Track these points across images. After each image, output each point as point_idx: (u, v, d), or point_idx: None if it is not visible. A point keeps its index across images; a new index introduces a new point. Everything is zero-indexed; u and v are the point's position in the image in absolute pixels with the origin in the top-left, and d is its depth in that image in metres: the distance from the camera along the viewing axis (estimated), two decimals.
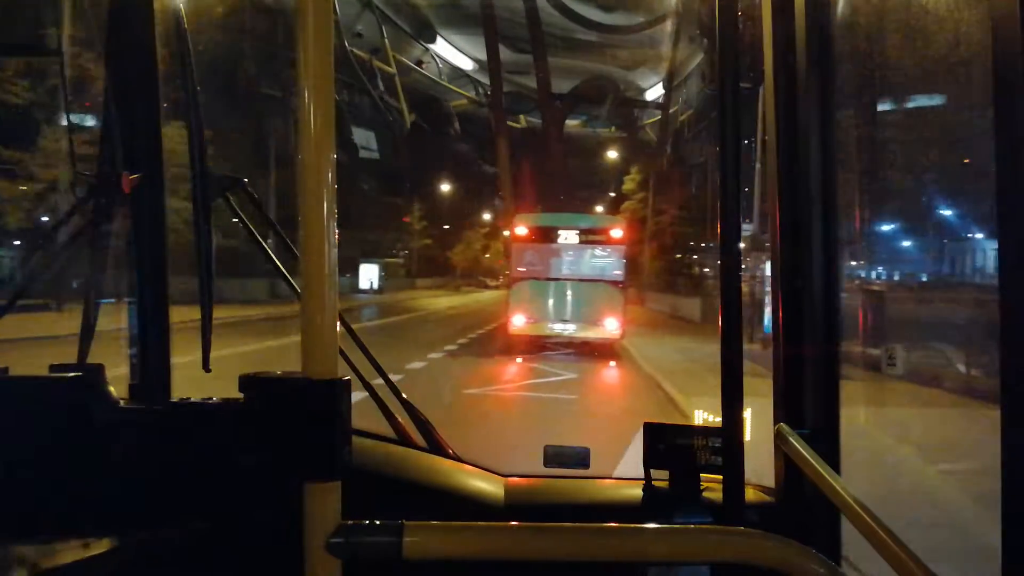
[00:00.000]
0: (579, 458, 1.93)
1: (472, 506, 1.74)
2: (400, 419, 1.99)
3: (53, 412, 1.59)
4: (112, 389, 1.67)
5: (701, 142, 37.42)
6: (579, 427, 9.10)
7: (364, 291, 40.07)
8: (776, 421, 1.69)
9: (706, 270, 35.64)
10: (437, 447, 1.97)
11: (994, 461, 0.87)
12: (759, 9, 1.70)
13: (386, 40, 40.47)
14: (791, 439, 1.56)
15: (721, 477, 1.53)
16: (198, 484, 1.59)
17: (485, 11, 36.97)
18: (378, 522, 0.96)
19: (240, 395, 1.02)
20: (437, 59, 49.83)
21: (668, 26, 39.06)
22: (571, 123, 53.29)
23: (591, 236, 17.21)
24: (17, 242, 20.21)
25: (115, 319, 1.91)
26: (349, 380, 1.00)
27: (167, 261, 1.85)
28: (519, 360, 15.50)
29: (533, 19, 37.80)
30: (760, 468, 1.72)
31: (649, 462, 1.74)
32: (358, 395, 1.13)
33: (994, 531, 0.88)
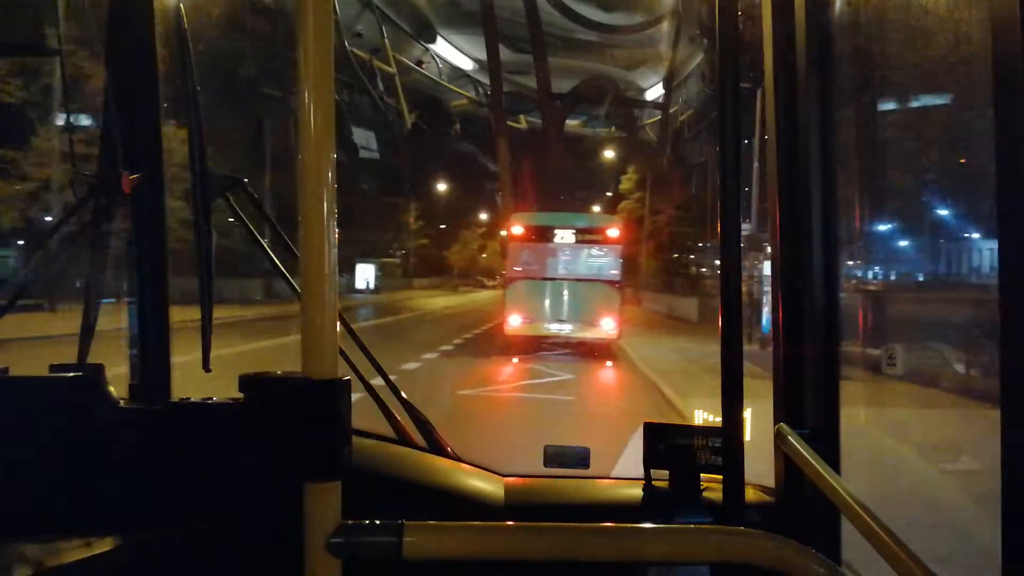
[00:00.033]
0: (579, 458, 1.93)
1: (472, 506, 1.74)
2: (400, 419, 1.99)
3: (53, 412, 1.59)
4: (112, 389, 1.68)
5: (701, 142, 37.44)
6: (575, 428, 9.05)
7: (360, 291, 40.03)
8: (776, 421, 1.69)
9: (703, 270, 35.66)
10: (437, 447, 1.97)
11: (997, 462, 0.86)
12: (759, 9, 1.70)
13: (386, 40, 40.46)
14: (791, 439, 1.55)
15: (721, 477, 1.53)
16: (198, 484, 1.59)
17: (485, 11, 36.96)
18: (378, 522, 0.96)
19: (240, 395, 1.02)
20: (437, 59, 49.85)
21: (668, 26, 39.10)
22: (571, 123, 53.29)
23: (588, 235, 17.16)
24: (21, 242, 20.19)
25: (115, 319, 1.91)
26: (349, 380, 1.00)
27: (167, 261, 1.85)
28: (515, 360, 15.45)
29: (533, 19, 37.80)
30: (760, 468, 1.72)
31: (649, 462, 1.74)
32: (358, 395, 1.13)
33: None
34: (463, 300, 43.26)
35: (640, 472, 1.77)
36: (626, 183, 43.71)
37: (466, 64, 50.77)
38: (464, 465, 1.94)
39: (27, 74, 17.66)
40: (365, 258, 42.41)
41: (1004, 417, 0.86)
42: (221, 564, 1.57)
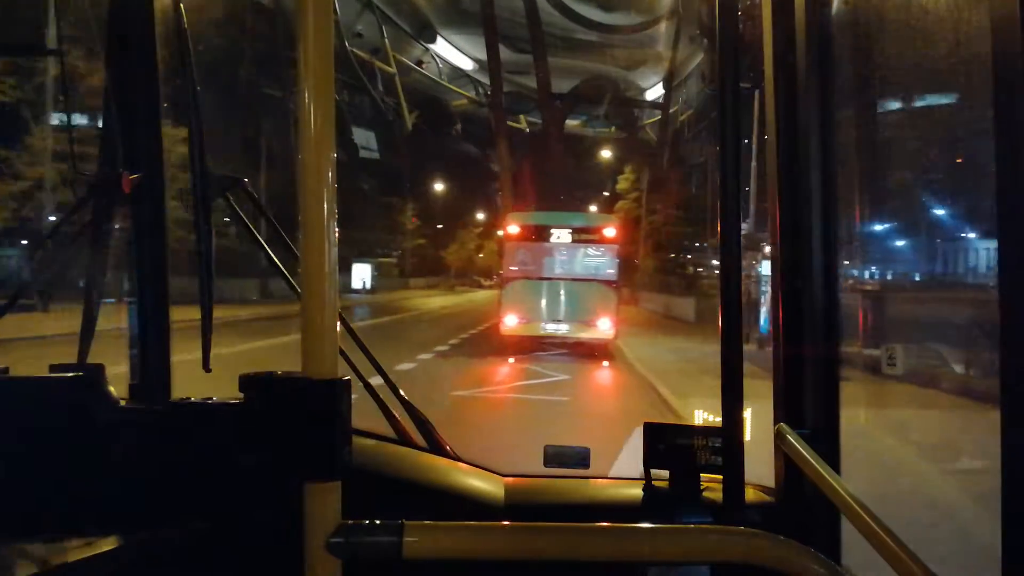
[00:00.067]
0: (579, 458, 1.93)
1: (472, 506, 1.74)
2: (400, 419, 1.99)
3: (53, 412, 1.59)
4: (112, 389, 1.68)
5: (701, 142, 37.48)
6: (572, 430, 8.99)
7: (356, 291, 39.95)
8: (776, 421, 1.69)
9: (699, 269, 35.67)
10: (437, 447, 1.97)
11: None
12: (759, 9, 1.70)
13: (386, 40, 40.53)
14: (791, 439, 1.55)
15: (721, 477, 1.53)
16: (198, 484, 1.59)
17: (485, 11, 36.97)
18: (378, 522, 0.96)
19: (240, 395, 1.02)
20: (437, 59, 49.90)
21: (668, 26, 39.15)
22: (571, 123, 53.33)
23: (584, 235, 17.05)
24: (24, 241, 20.22)
25: (114, 319, 1.91)
26: (349, 380, 1.00)
27: (167, 261, 1.85)
28: (511, 361, 15.36)
29: (533, 19, 37.83)
30: (760, 468, 1.72)
31: (649, 462, 1.74)
32: (357, 395, 1.13)
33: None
34: (460, 300, 43.15)
35: (637, 473, 1.77)
36: (623, 183, 43.75)
37: (466, 64, 50.81)
38: (464, 465, 1.94)
39: (21, 73, 17.64)
40: (361, 258, 42.38)
41: (1004, 417, 0.86)
42: (221, 564, 1.57)
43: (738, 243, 1.42)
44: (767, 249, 14.45)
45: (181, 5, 1.69)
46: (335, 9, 1.04)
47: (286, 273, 1.78)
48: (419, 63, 48.14)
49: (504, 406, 11.12)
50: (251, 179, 1.88)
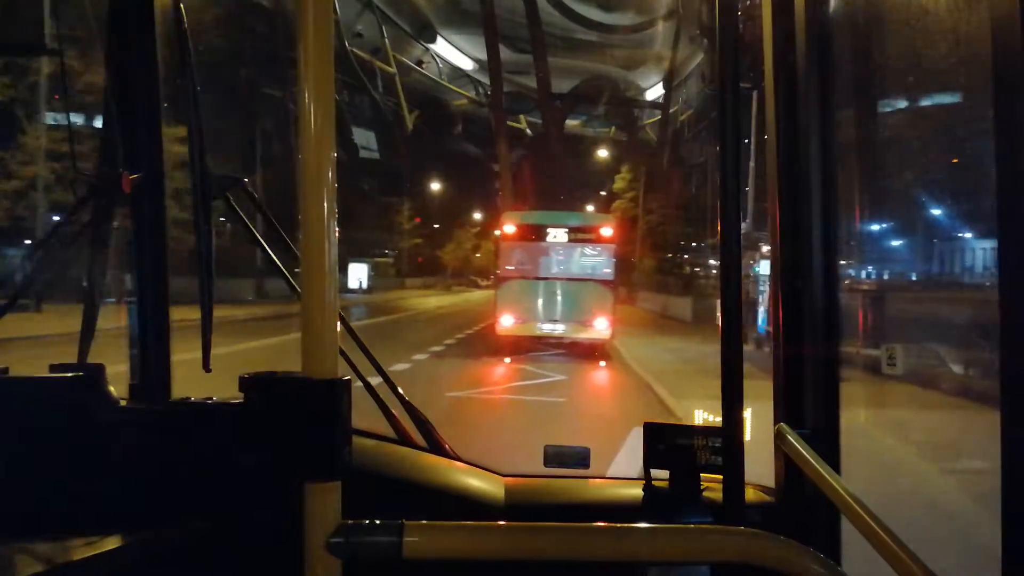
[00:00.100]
0: (579, 458, 1.93)
1: (472, 506, 1.74)
2: (400, 419, 1.99)
3: (53, 412, 1.59)
4: (112, 389, 1.68)
5: (701, 142, 37.49)
6: (568, 431, 8.92)
7: (353, 291, 39.93)
8: (776, 421, 1.69)
9: (697, 269, 35.68)
10: (437, 447, 1.97)
11: None
12: (759, 9, 1.70)
13: (386, 40, 40.53)
14: (791, 439, 1.55)
15: (721, 477, 1.53)
16: (198, 484, 1.59)
17: (485, 11, 36.97)
18: (378, 522, 0.96)
19: (240, 395, 1.02)
20: (437, 59, 49.91)
21: (668, 26, 39.15)
22: (571, 123, 53.34)
23: (580, 234, 16.91)
24: (28, 241, 20.23)
25: (114, 319, 1.91)
26: (349, 380, 1.00)
27: (167, 261, 1.85)
28: (507, 361, 15.27)
29: (533, 19, 37.83)
30: (760, 468, 1.72)
31: (649, 462, 1.74)
32: (357, 395, 1.13)
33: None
34: (456, 300, 43.08)
35: (634, 475, 1.77)
36: (619, 182, 43.78)
37: (466, 64, 50.82)
38: (464, 465, 1.94)
39: (14, 72, 17.62)
40: (358, 257, 42.36)
41: (1004, 417, 0.86)
42: (221, 564, 1.57)
43: (738, 243, 1.42)
44: (765, 249, 14.44)
45: (181, 5, 1.69)
46: (335, 9, 1.04)
47: (286, 273, 1.78)
48: (419, 63, 48.16)
49: (500, 407, 11.01)
50: (248, 179, 1.88)
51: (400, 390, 2.01)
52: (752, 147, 13.71)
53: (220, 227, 1.94)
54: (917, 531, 1.17)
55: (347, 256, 41.02)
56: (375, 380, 1.95)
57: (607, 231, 17.28)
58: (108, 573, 1.38)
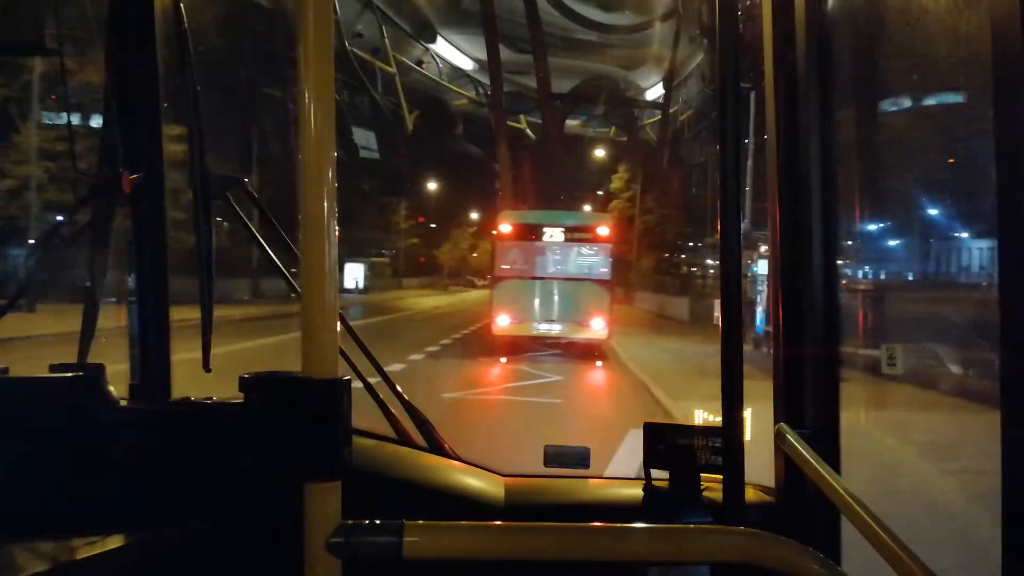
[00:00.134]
0: (579, 458, 1.93)
1: (472, 506, 1.74)
2: (400, 419, 1.99)
3: (53, 412, 1.59)
4: (112, 389, 1.68)
5: (701, 142, 37.50)
6: (565, 433, 8.82)
7: (349, 291, 39.94)
8: (776, 421, 1.69)
9: (694, 269, 35.68)
10: (437, 447, 1.97)
11: None
12: (759, 9, 1.70)
13: (386, 40, 40.52)
14: (791, 439, 1.55)
15: (721, 477, 1.53)
16: (198, 484, 1.59)
17: (485, 11, 36.95)
18: (378, 522, 0.96)
19: (240, 395, 1.02)
20: (437, 59, 49.91)
21: (668, 26, 39.15)
22: (571, 123, 53.33)
23: (577, 234, 16.80)
24: (31, 240, 20.25)
25: (114, 319, 1.91)
26: (349, 380, 1.00)
27: (167, 261, 1.85)
28: (503, 361, 15.18)
29: (533, 19, 37.80)
30: (760, 468, 1.72)
31: (649, 462, 1.74)
32: (357, 395, 1.13)
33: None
34: (453, 300, 43.05)
35: (632, 477, 1.77)
36: (616, 182, 43.76)
37: (466, 64, 50.81)
38: (464, 465, 1.94)
39: (7, 71, 17.60)
40: (354, 257, 42.33)
41: (1004, 417, 0.86)
42: (221, 564, 1.57)
43: (738, 243, 1.42)
44: (763, 248, 14.42)
45: (181, 5, 1.69)
46: (335, 9, 1.04)
47: (286, 273, 1.78)
48: (419, 63, 48.14)
49: (495, 408, 10.89)
50: (247, 179, 1.88)
51: (399, 389, 2.01)
52: (751, 147, 13.72)
53: (215, 227, 1.94)
54: (909, 528, 1.17)
55: (343, 256, 40.97)
56: (375, 380, 1.95)
57: (604, 231, 17.17)
58: (108, 573, 1.38)
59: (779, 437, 1.62)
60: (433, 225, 59.84)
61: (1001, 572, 0.88)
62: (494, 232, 17.79)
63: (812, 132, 1.64)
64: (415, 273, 59.10)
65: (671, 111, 44.93)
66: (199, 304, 1.72)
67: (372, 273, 46.31)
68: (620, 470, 5.78)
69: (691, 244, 37.87)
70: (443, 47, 49.43)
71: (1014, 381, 0.86)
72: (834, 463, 1.59)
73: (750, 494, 1.71)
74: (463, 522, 1.01)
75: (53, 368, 1.67)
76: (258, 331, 14.06)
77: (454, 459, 1.96)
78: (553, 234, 16.76)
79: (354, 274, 41.61)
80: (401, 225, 54.78)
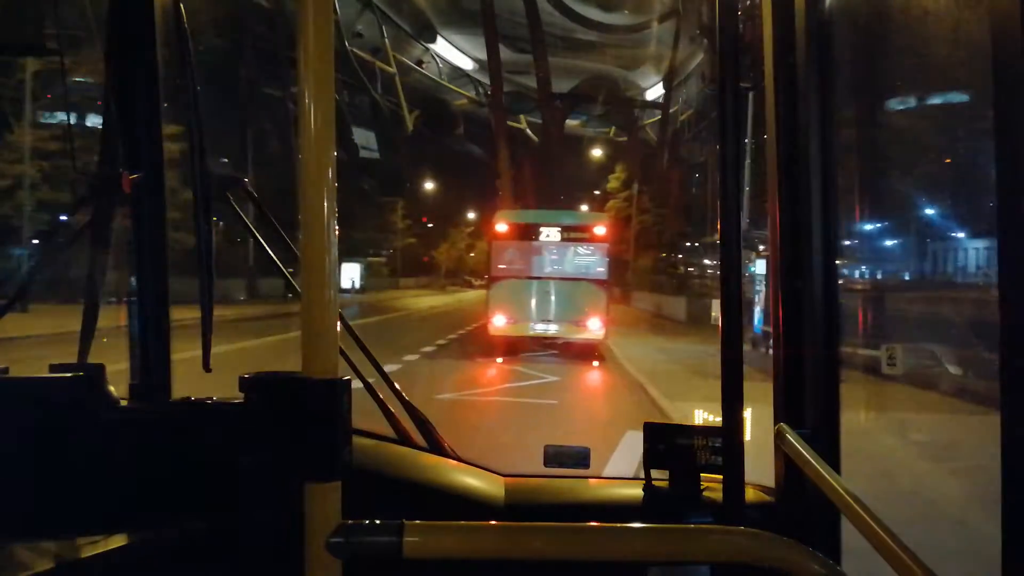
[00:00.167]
0: (579, 458, 1.93)
1: (472, 506, 1.74)
2: (400, 419, 1.99)
3: (53, 412, 1.59)
4: (112, 389, 1.67)
5: (701, 142, 37.53)
6: (560, 434, 8.64)
7: (345, 291, 39.93)
8: (776, 421, 1.69)
9: (690, 269, 35.69)
10: (437, 447, 1.97)
11: None
12: (759, 9, 1.70)
13: (386, 40, 40.52)
14: (791, 439, 1.55)
15: (721, 477, 1.53)
16: (198, 484, 1.59)
17: (485, 11, 36.95)
18: (378, 522, 0.96)
19: (240, 395, 1.02)
20: (437, 59, 49.91)
21: (668, 26, 39.17)
22: (571, 123, 53.33)
23: (574, 233, 16.66)
24: (35, 241, 20.24)
25: (113, 319, 1.91)
26: (349, 380, 1.00)
27: (167, 261, 1.85)
28: (499, 362, 15.09)
29: (533, 19, 37.81)
30: (761, 468, 1.72)
31: (649, 462, 1.74)
32: (357, 395, 1.13)
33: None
34: (449, 300, 42.98)
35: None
36: (613, 182, 43.77)
37: (466, 64, 50.81)
38: (464, 465, 1.94)
39: (1, 71, 17.60)
40: (351, 257, 42.30)
41: (1004, 417, 0.86)
42: (221, 564, 1.56)
43: (738, 243, 1.42)
44: (760, 248, 14.40)
45: (181, 5, 1.69)
46: (335, 9, 1.04)
47: (286, 273, 1.78)
48: (419, 63, 48.15)
49: (490, 410, 10.76)
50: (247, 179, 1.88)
51: (398, 387, 2.01)
52: (748, 147, 13.70)
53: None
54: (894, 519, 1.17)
55: (340, 256, 40.83)
56: (375, 380, 1.95)
57: (601, 230, 17.04)
58: (108, 573, 1.38)
59: (779, 437, 1.62)
60: (431, 225, 59.89)
61: (1001, 572, 0.88)
62: (491, 231, 17.69)
63: (812, 132, 1.64)
64: (412, 273, 59.10)
65: (671, 111, 44.95)
66: (199, 304, 1.72)
67: (369, 273, 46.31)
68: (616, 473, 5.78)
69: (688, 244, 37.90)
70: (443, 47, 49.43)
71: (1014, 381, 0.86)
72: (834, 463, 1.59)
73: (750, 494, 1.71)
74: (463, 522, 1.01)
75: (53, 368, 1.67)
76: (253, 331, 14.06)
77: (454, 459, 1.96)
78: (549, 234, 16.62)
79: (350, 274, 41.61)
80: (398, 225, 54.74)
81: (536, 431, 8.53)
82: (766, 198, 1.73)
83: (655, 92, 50.92)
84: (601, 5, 43.34)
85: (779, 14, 1.66)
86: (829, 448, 1.59)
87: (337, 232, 0.97)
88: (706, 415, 5.32)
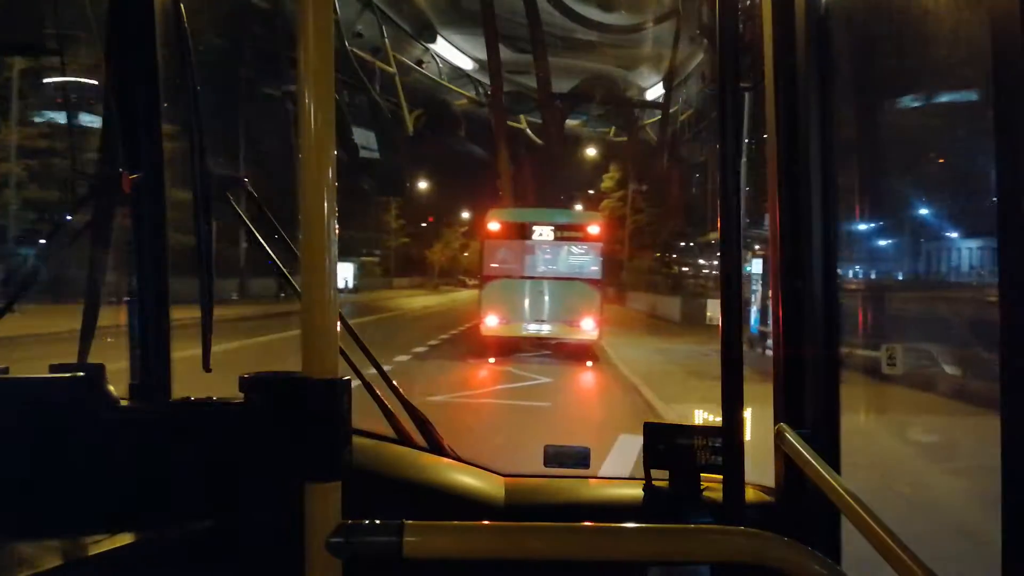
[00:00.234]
0: (580, 458, 1.93)
1: (472, 506, 1.74)
2: (400, 419, 1.99)
3: (53, 412, 1.58)
4: (112, 389, 1.67)
5: (701, 142, 37.52)
6: (552, 439, 8.65)
7: (339, 290, 40.04)
8: (776, 421, 1.69)
9: (685, 269, 35.69)
10: (437, 447, 1.97)
11: None
12: (759, 9, 1.70)
13: (386, 40, 40.46)
14: (791, 439, 1.55)
15: (721, 477, 1.53)
16: (198, 484, 1.59)
17: (485, 11, 36.92)
18: (378, 522, 0.96)
19: (240, 395, 1.02)
20: (437, 59, 49.89)
21: (668, 26, 39.15)
22: (571, 123, 53.31)
23: (567, 233, 16.45)
24: (42, 240, 20.22)
25: (112, 319, 1.91)
26: (349, 380, 1.00)
27: (167, 261, 1.85)
28: (491, 363, 14.97)
29: (533, 19, 37.76)
30: (761, 468, 1.71)
31: (649, 462, 1.74)
32: (357, 395, 1.13)
33: None
34: (443, 300, 42.93)
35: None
36: (607, 181, 43.72)
37: (466, 64, 50.79)
38: (464, 465, 1.94)
39: None
40: (344, 256, 42.24)
41: (1004, 417, 0.86)
42: (221, 564, 1.57)
43: (738, 243, 1.42)
44: (756, 247, 14.38)
45: (181, 5, 1.69)
46: (335, 9, 1.04)
47: (286, 273, 1.78)
48: (419, 63, 48.12)
49: (481, 412, 10.64)
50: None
51: (399, 388, 2.01)
52: (745, 147, 13.66)
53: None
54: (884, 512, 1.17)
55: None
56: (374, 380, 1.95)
57: (594, 229, 16.85)
58: (108, 573, 1.38)
59: (779, 437, 1.62)
60: (424, 224, 59.94)
61: (1001, 572, 0.88)
62: (483, 230, 17.41)
63: (812, 132, 1.65)
64: (406, 273, 59.09)
65: (671, 111, 44.92)
66: (199, 304, 1.72)
67: (362, 273, 46.30)
68: (611, 475, 5.73)
69: (683, 244, 37.89)
70: (443, 47, 49.39)
71: (1014, 381, 0.86)
72: (834, 463, 1.59)
73: (750, 494, 1.71)
74: (463, 522, 1.01)
75: (53, 368, 1.67)
76: (246, 331, 14.00)
77: (454, 459, 1.96)
78: (542, 233, 16.43)
79: (344, 273, 41.57)
80: (392, 224, 54.72)
81: (528, 434, 8.34)
82: (766, 198, 1.73)
83: (655, 92, 50.86)
84: (601, 5, 43.30)
85: (779, 14, 1.66)
86: (829, 448, 1.59)
87: (337, 230, 0.97)
88: (706, 415, 5.32)
